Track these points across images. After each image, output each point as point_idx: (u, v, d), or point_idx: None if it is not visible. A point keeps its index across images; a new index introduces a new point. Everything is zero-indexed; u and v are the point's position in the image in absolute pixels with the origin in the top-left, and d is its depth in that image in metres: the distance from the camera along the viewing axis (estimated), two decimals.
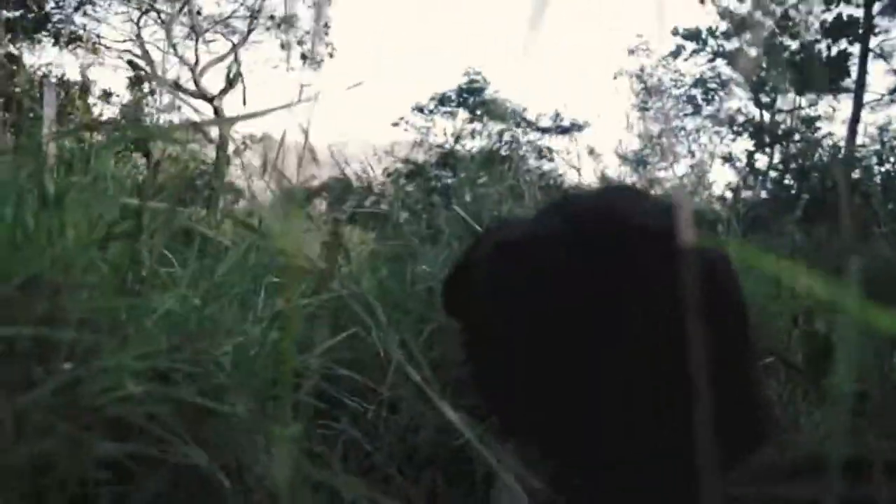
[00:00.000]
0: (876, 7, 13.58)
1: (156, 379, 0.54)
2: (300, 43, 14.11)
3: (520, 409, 0.65)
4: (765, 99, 15.40)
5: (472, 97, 17.00)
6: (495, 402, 0.69)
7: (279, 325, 0.72)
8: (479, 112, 16.77)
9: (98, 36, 13.72)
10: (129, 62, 13.60)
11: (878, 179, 10.08)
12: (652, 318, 0.56)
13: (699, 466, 0.57)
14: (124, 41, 13.89)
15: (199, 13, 14.05)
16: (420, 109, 17.37)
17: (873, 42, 13.87)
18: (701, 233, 0.62)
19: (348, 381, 1.07)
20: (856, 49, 13.88)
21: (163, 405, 0.51)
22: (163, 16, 13.56)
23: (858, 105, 13.53)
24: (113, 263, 0.53)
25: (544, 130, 17.28)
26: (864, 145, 13.27)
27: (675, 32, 16.09)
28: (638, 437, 0.58)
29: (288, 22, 13.41)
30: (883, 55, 14.05)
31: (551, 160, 16.49)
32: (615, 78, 17.66)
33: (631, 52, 17.42)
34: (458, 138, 16.68)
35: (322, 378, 0.80)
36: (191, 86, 13.81)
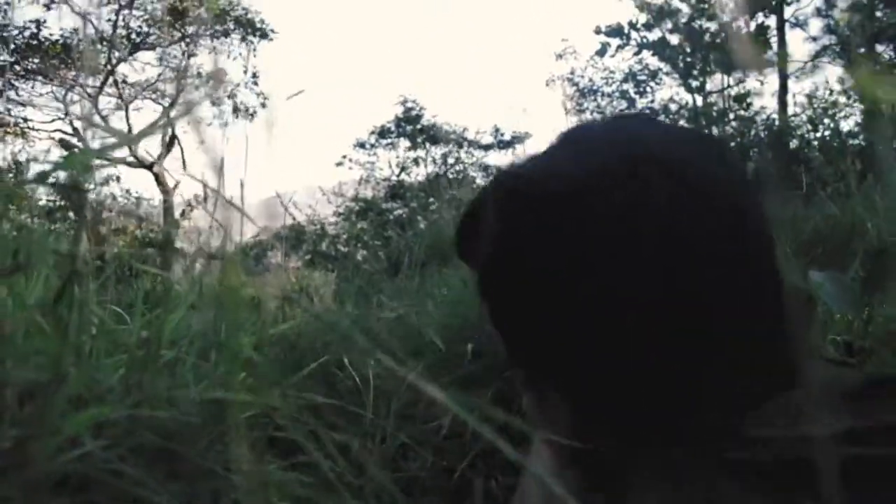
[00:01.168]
0: None
1: (117, 432, 0.50)
2: (230, 96, 14.06)
3: (539, 351, 0.62)
4: (694, 83, 15.73)
5: (410, 125, 17.05)
6: (515, 346, 0.66)
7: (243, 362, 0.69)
8: (419, 139, 16.83)
9: (24, 119, 13.48)
10: (61, 141, 13.37)
11: (815, 144, 10.33)
12: (666, 249, 0.53)
13: (723, 407, 0.55)
14: (52, 121, 13.68)
15: (125, 82, 13.91)
16: (361, 145, 17.36)
17: (788, 12, 14.30)
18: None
19: (327, 414, 1.04)
20: (773, 21, 14.29)
21: (127, 457, 0.48)
22: (88, 90, 13.38)
23: (784, 76, 13.91)
24: (56, 318, 0.50)
25: (487, 147, 17.40)
26: (796, 114, 13.61)
27: (597, 31, 16.39)
28: (659, 377, 0.55)
29: (216, 77, 13.34)
30: (799, 24, 14.48)
31: None
32: (547, 84, 17.91)
33: (559, 56, 17.70)
34: (402, 168, 16.70)
35: (300, 410, 0.76)
36: (128, 156, 13.62)
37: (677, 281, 0.53)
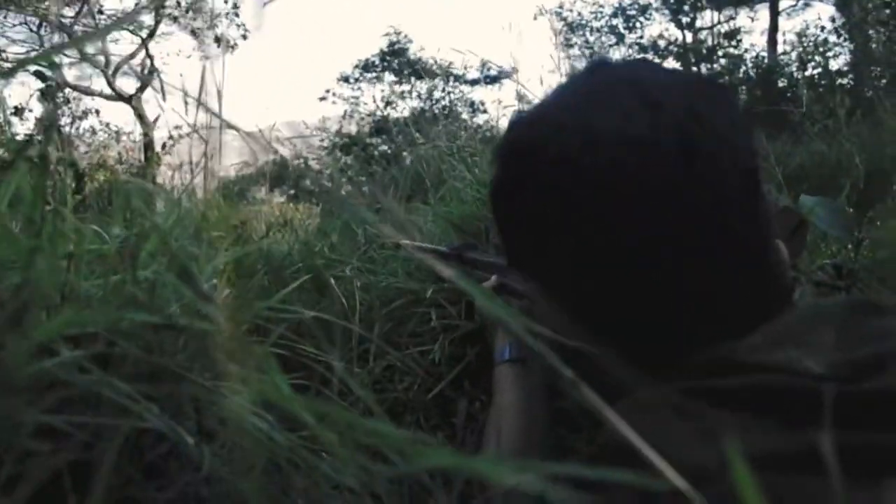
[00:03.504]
0: None
1: (97, 345, 0.49)
2: (211, 28, 13.70)
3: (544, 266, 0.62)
4: (684, 19, 15.52)
5: (396, 59, 16.78)
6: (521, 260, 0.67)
7: (228, 276, 0.67)
8: (405, 74, 16.58)
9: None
10: (36, 73, 13.04)
11: (803, 82, 10.26)
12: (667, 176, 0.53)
13: (715, 329, 0.55)
14: (28, 52, 13.31)
15: (100, 12, 13.51)
16: (346, 79, 17.10)
17: None
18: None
19: (313, 339, 1.03)
20: None
21: (107, 368, 0.46)
22: (64, 20, 13.01)
23: (775, 14, 13.75)
24: (28, 223, 0.47)
25: (473, 83, 17.18)
26: (785, 52, 13.50)
27: None
28: (654, 293, 0.56)
29: (195, 8, 13.00)
30: None
31: (484, 112, 16.44)
32: (535, 18, 17.61)
33: None
34: (388, 104, 16.50)
35: (287, 328, 0.75)
36: (106, 89, 13.34)
37: (673, 205, 0.53)
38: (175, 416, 0.56)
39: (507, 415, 0.84)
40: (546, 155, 0.57)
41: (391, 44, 16.87)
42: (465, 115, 15.40)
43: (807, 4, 14.57)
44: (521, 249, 0.66)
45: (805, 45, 12.93)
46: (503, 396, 0.88)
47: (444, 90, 16.70)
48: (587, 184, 0.54)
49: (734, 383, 0.48)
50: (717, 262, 0.55)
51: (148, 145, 12.12)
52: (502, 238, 0.68)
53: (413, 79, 16.47)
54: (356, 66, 17.05)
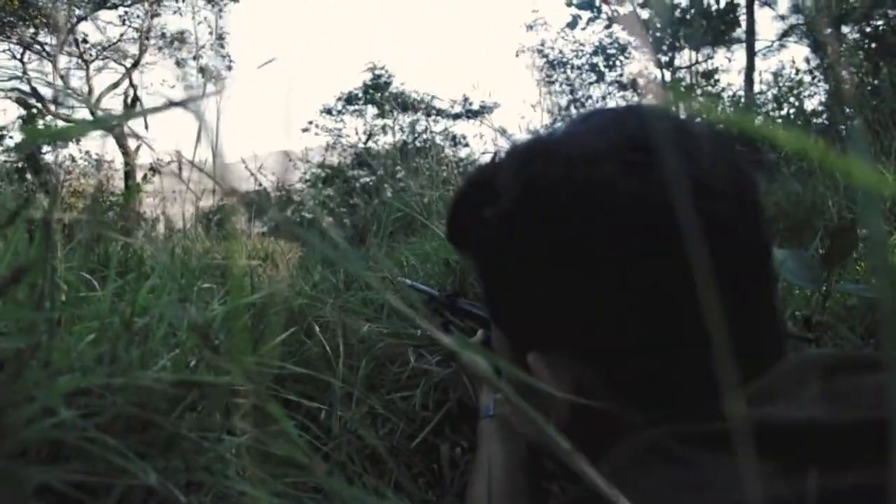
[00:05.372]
0: None
1: (90, 401, 0.50)
2: (195, 58, 13.76)
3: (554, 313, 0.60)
4: (663, 58, 15.79)
5: (378, 92, 16.89)
6: (525, 305, 0.63)
7: (222, 326, 0.69)
8: (387, 107, 16.68)
9: None
10: (18, 100, 13.00)
11: (779, 122, 10.42)
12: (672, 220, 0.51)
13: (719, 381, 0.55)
14: (9, 79, 13.29)
15: (85, 41, 13.53)
16: (328, 111, 17.17)
17: None
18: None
19: (295, 384, 1.05)
20: None
21: (101, 426, 0.48)
22: (47, 48, 13.00)
23: (751, 54, 14.01)
24: (30, 286, 0.49)
25: (455, 116, 17.31)
26: (761, 92, 13.73)
27: (569, 3, 16.30)
28: (666, 348, 0.55)
29: (180, 39, 13.06)
30: (769, 2, 14.57)
31: (466, 145, 16.56)
32: (517, 55, 17.85)
33: (529, 27, 17.62)
34: (370, 136, 16.57)
35: (270, 379, 0.77)
36: (87, 116, 13.28)
37: (740, 254, 0.54)
38: (164, 468, 0.57)
39: (490, 469, 0.86)
40: (614, 194, 0.54)
41: (374, 77, 17.00)
42: (447, 149, 15.50)
43: (782, 45, 14.90)
44: (526, 291, 0.62)
45: (780, 84, 13.17)
46: (486, 450, 0.90)
47: (425, 127, 16.82)
48: (664, 224, 0.52)
49: (723, 429, 0.50)
50: (753, 310, 0.56)
51: (129, 174, 12.09)
52: (497, 281, 0.66)
53: (395, 112, 16.58)
54: (339, 99, 17.15)
